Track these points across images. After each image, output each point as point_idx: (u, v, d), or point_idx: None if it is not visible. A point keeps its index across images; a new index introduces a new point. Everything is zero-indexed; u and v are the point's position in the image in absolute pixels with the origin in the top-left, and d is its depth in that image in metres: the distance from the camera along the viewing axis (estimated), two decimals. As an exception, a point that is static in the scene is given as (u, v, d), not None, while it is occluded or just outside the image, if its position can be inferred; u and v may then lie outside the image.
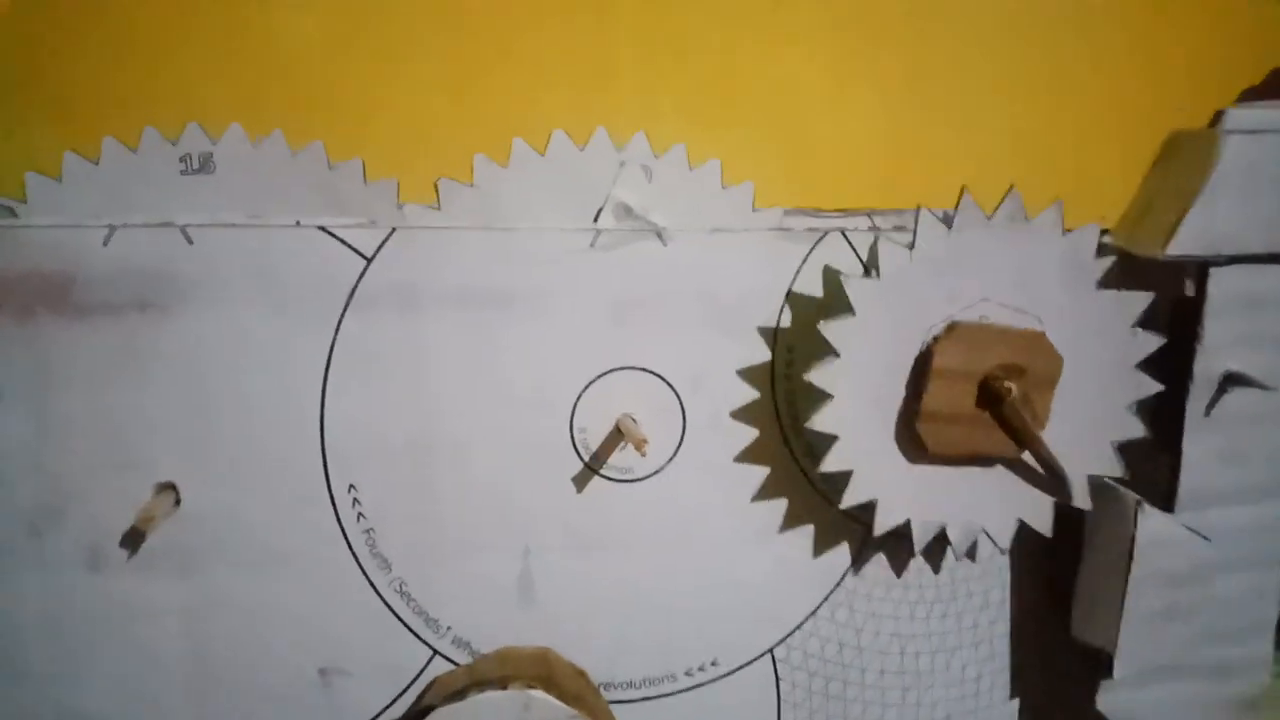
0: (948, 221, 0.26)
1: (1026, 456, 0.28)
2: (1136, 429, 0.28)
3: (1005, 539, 0.28)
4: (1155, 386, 0.28)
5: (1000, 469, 0.28)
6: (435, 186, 0.27)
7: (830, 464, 0.27)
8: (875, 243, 0.26)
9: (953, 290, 0.27)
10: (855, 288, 0.26)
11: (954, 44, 0.29)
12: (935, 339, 0.26)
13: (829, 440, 0.27)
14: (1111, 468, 0.28)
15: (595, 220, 0.27)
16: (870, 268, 0.28)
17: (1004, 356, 0.27)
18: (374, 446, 0.27)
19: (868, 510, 0.27)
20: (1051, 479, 0.27)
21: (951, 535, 0.28)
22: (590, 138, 0.27)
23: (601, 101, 0.29)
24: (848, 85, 0.29)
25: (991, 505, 0.28)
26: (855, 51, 0.29)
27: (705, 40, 0.29)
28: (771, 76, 0.29)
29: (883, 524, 0.27)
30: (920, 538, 0.28)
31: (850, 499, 0.27)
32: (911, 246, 0.26)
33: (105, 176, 0.27)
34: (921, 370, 0.27)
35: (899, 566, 0.31)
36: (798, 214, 0.29)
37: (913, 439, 0.27)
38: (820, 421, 0.26)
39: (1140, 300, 0.27)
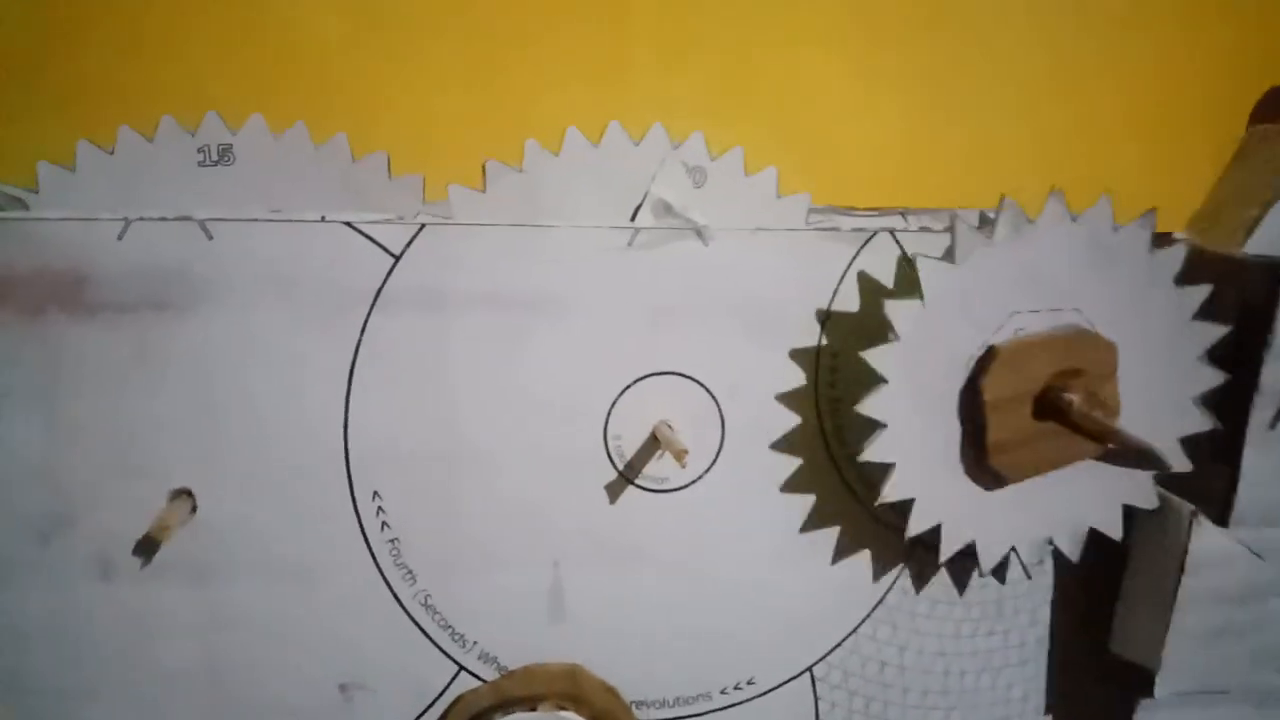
0: (985, 227, 0.25)
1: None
2: (1203, 422, 0.26)
3: (1075, 549, 0.27)
4: (1218, 377, 0.26)
5: (1069, 477, 0.26)
6: (483, 168, 0.26)
7: (891, 493, 0.25)
8: (904, 260, 0.25)
9: (998, 300, 0.25)
10: (898, 313, 0.24)
11: (986, 39, 0.28)
12: (979, 369, 0.25)
13: (885, 469, 0.25)
14: (1179, 462, 0.27)
15: (633, 218, 0.26)
16: (908, 281, 0.27)
17: (1053, 365, 0.25)
18: (399, 453, 0.26)
19: (932, 534, 0.26)
20: (1142, 460, 0.26)
21: (1021, 552, 0.27)
22: (646, 133, 0.26)
23: (634, 96, 0.28)
24: (890, 82, 0.28)
25: (1058, 516, 0.27)
26: (889, 49, 0.28)
27: (736, 36, 0.28)
28: (807, 74, 0.28)
29: (948, 548, 0.26)
30: (988, 560, 0.26)
31: (916, 526, 0.26)
32: (950, 258, 0.25)
33: (120, 167, 0.25)
34: (973, 401, 0.25)
35: (947, 581, 0.29)
36: (844, 214, 0.28)
37: (984, 471, 0.26)
38: (875, 451, 0.25)
39: (1200, 293, 0.26)
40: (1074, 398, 0.25)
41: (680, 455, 0.24)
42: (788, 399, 0.27)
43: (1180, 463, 0.27)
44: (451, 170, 0.28)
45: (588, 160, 0.26)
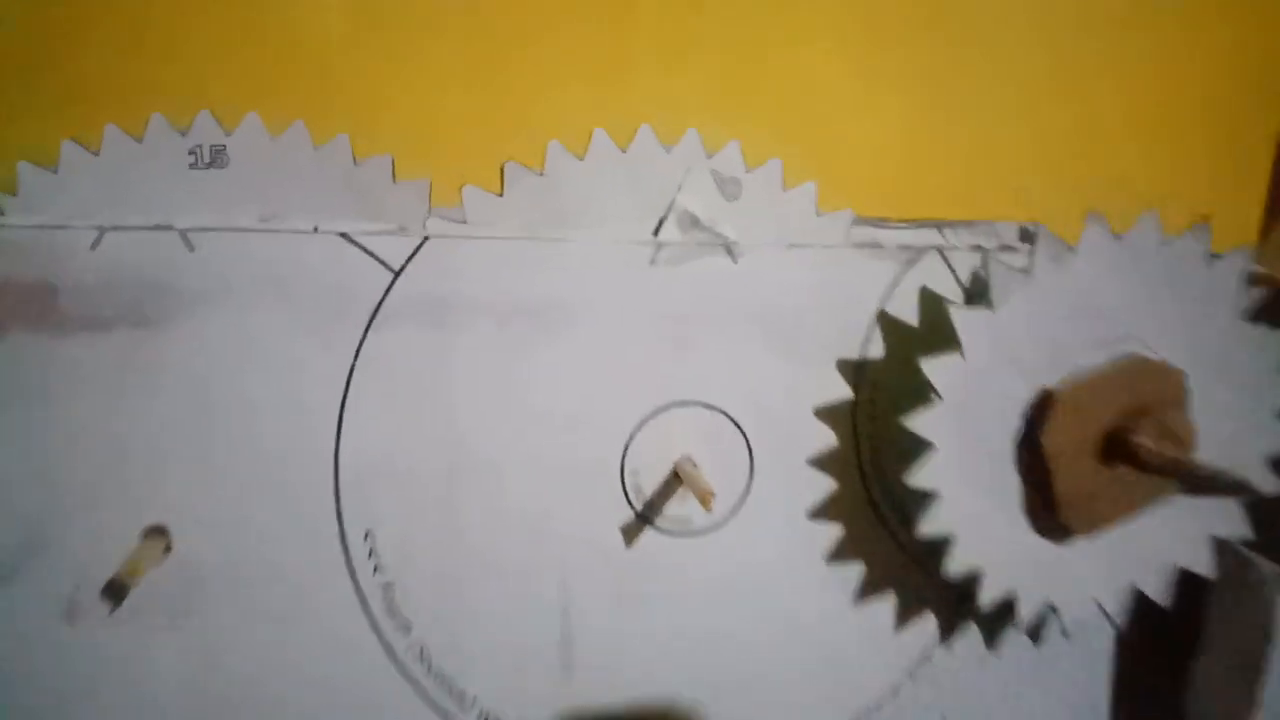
0: (1016, 254, 0.23)
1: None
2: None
3: (1162, 593, 0.24)
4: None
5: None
6: (501, 171, 0.24)
7: (928, 526, 0.23)
8: (983, 265, 0.23)
9: (1076, 324, 0.23)
10: (962, 319, 0.22)
11: (1027, 42, 0.26)
12: (1036, 418, 0.23)
13: (927, 498, 0.23)
14: (1267, 483, 0.24)
15: (656, 232, 0.24)
16: (975, 295, 0.25)
17: (1117, 402, 0.23)
18: (395, 488, 0.23)
19: (971, 580, 0.23)
20: (1226, 488, 0.23)
21: (1103, 603, 0.24)
22: (680, 138, 0.24)
23: (649, 99, 0.26)
24: (931, 89, 0.26)
25: (1137, 557, 0.24)
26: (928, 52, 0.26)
27: (756, 35, 0.26)
28: (849, 82, 0.26)
29: (990, 597, 0.23)
30: (1028, 611, 0.24)
31: (953, 567, 0.23)
32: (1028, 271, 0.22)
33: (105, 169, 0.23)
34: (1032, 452, 0.23)
35: (995, 639, 0.27)
36: (882, 227, 0.26)
37: (1054, 526, 0.23)
38: (918, 475, 0.22)
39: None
40: (1143, 440, 0.22)
41: (706, 498, 0.22)
42: (824, 433, 0.25)
43: (1269, 484, 0.24)
44: (459, 173, 0.25)
45: (614, 166, 0.24)
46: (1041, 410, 0.23)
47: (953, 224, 0.27)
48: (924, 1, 0.26)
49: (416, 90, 0.27)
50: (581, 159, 0.24)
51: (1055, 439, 0.22)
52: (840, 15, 0.26)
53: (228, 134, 0.24)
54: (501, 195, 0.24)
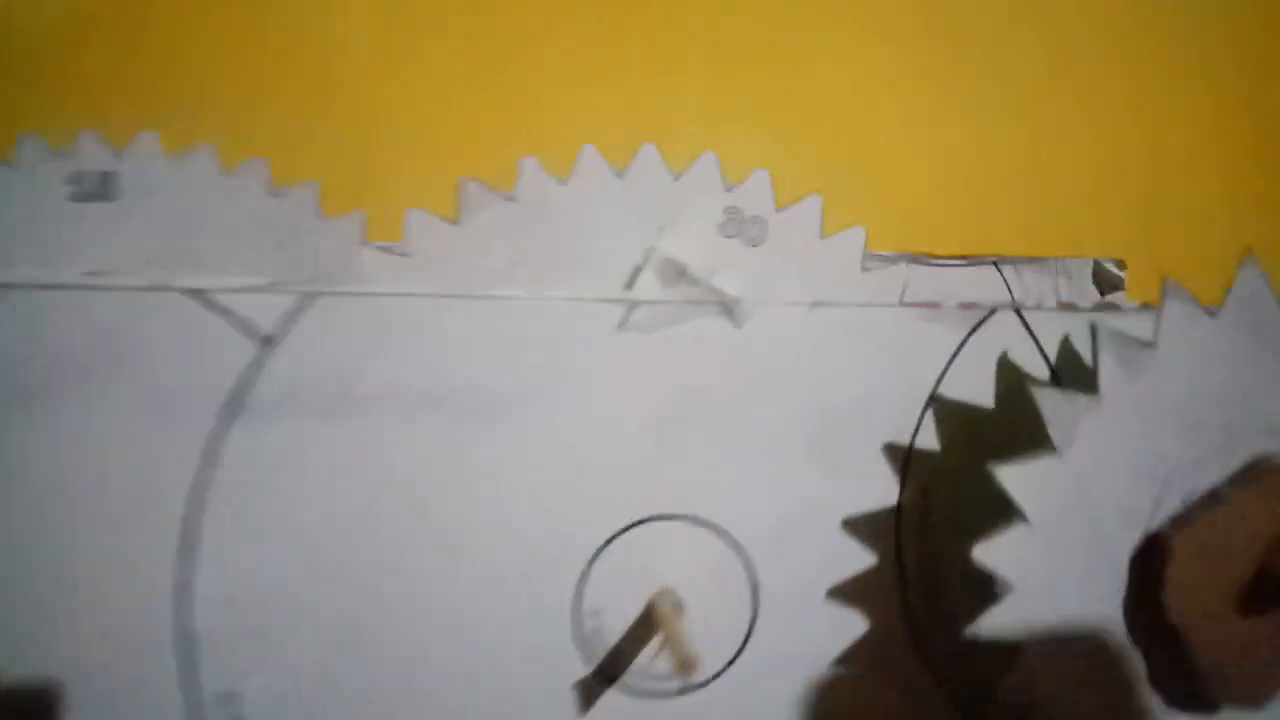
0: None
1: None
2: None
3: None
4: None
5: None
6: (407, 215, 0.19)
7: (1011, 692, 0.16)
8: (1092, 334, 0.16)
9: (1203, 419, 0.16)
10: (1054, 406, 0.16)
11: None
12: (1147, 573, 0.16)
13: (1007, 654, 0.16)
14: None
15: (629, 286, 0.18)
16: (1067, 371, 0.18)
17: (1260, 529, 0.16)
18: (270, 637, 0.17)
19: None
20: None
21: None
22: (691, 164, 0.18)
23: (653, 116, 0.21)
24: (972, 115, 0.22)
25: None
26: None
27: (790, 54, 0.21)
28: (880, 101, 0.21)
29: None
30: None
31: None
32: (1152, 343, 0.16)
33: None
34: (1147, 607, 0.16)
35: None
36: (910, 262, 0.21)
37: (1190, 691, 0.16)
38: (993, 624, 0.16)
39: None
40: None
41: (686, 666, 0.15)
42: (856, 556, 0.18)
43: None
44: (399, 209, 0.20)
45: (596, 195, 0.18)
46: (1154, 563, 0.16)
47: (1012, 260, 0.23)
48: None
49: (350, 110, 0.22)
50: (513, 191, 0.18)
51: (1180, 599, 0.16)
52: (889, 19, 0.22)
53: (117, 156, 0.20)
54: (406, 242, 0.18)
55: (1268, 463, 0.16)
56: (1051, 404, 0.16)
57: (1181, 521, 0.16)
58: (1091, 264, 0.24)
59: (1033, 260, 0.24)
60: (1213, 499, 0.16)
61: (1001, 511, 0.16)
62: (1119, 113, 0.24)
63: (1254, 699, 0.16)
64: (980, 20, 0.23)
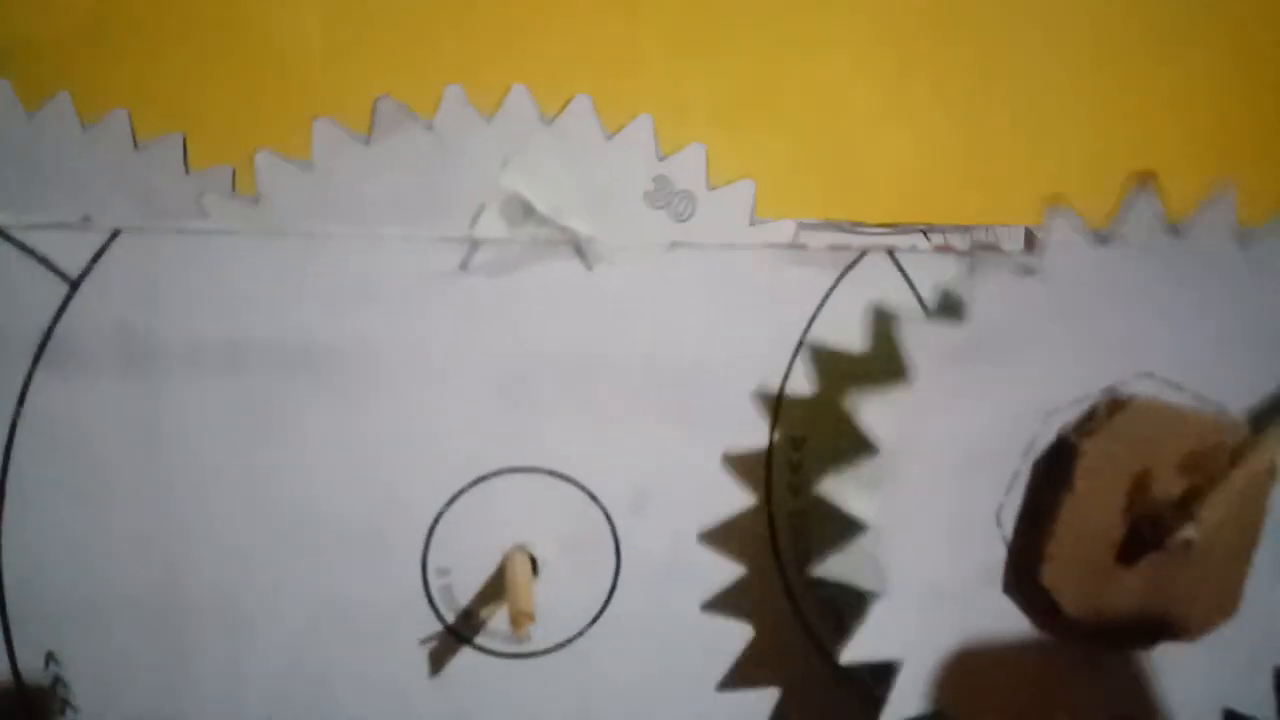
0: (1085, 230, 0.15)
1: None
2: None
3: None
4: None
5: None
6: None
7: (861, 647, 0.16)
8: (967, 269, 0.15)
9: (1099, 346, 0.16)
10: (916, 338, 0.15)
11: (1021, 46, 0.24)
12: (1083, 427, 0.15)
13: (861, 600, 0.15)
14: None
15: (472, 225, 0.17)
16: (944, 308, 0.17)
17: (1175, 458, 0.16)
18: (88, 598, 0.16)
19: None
20: None
21: None
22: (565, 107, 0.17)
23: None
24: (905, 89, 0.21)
25: (1175, 692, 0.17)
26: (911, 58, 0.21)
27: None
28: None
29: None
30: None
31: (898, 708, 0.16)
32: (1031, 271, 0.15)
33: None
34: (1050, 482, 0.16)
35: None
36: (818, 227, 0.20)
37: (1027, 598, 0.16)
38: (846, 567, 0.15)
39: None
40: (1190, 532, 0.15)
41: (520, 620, 0.14)
42: (725, 507, 0.17)
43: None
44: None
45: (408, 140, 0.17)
46: (1100, 417, 0.15)
47: (942, 228, 0.23)
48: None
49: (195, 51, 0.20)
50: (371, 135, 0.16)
51: (1092, 460, 0.15)
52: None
53: None
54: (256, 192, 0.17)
55: (1115, 400, 0.16)
56: (916, 337, 0.15)
57: (1140, 397, 0.15)
58: (1023, 230, 0.24)
59: (961, 228, 0.24)
60: (1064, 450, 0.16)
61: (859, 447, 0.15)
62: (1078, 97, 0.24)
63: (1091, 622, 0.16)
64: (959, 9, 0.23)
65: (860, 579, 0.15)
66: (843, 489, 0.15)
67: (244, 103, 0.23)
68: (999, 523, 0.16)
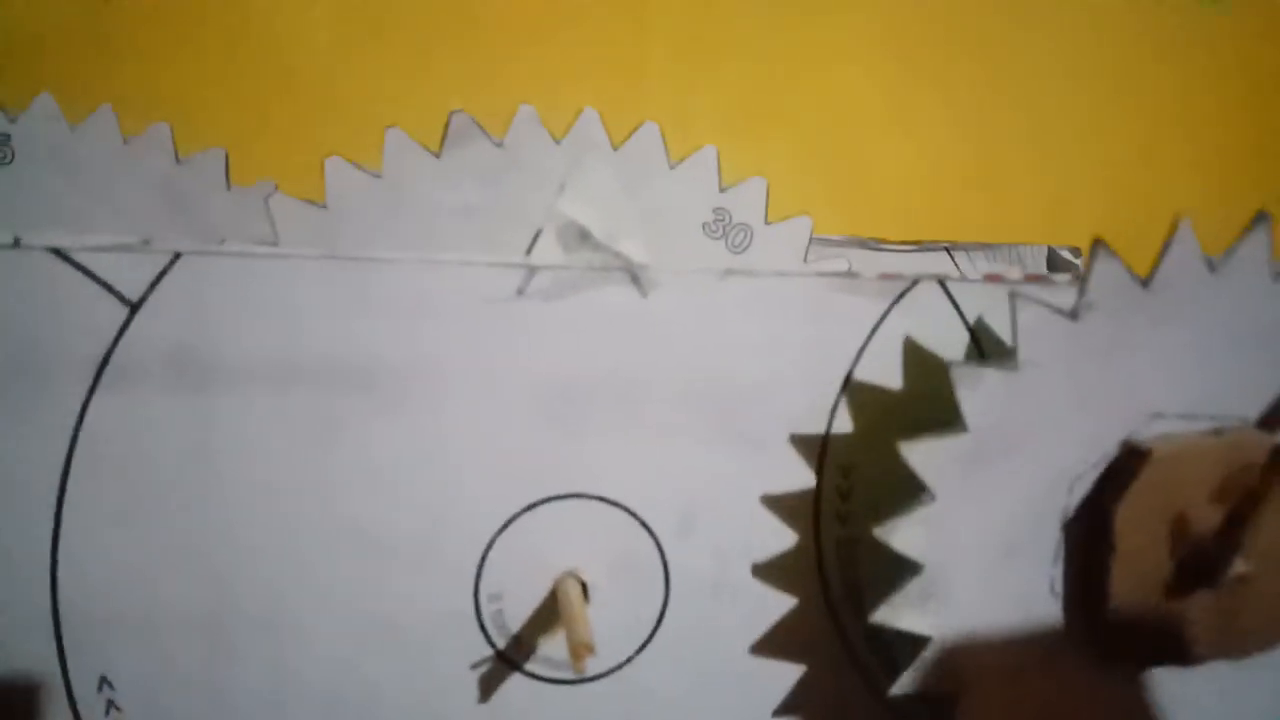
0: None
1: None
2: None
3: None
4: None
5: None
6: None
7: (911, 681, 0.15)
8: (1010, 304, 0.15)
9: (1110, 395, 0.16)
10: (968, 381, 0.15)
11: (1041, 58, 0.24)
12: (1109, 489, 0.15)
13: (915, 644, 0.15)
14: None
15: (528, 252, 0.17)
16: (989, 347, 0.17)
17: (1207, 491, 0.16)
18: (142, 619, 0.16)
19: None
20: None
21: None
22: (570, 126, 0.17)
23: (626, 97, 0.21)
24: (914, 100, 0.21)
25: None
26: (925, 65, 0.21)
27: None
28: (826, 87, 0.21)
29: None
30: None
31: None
32: (1075, 314, 0.15)
33: None
34: (1093, 546, 0.16)
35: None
36: (837, 243, 0.20)
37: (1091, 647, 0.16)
38: (898, 612, 0.15)
39: None
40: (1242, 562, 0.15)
41: (580, 652, 0.14)
42: (773, 538, 0.17)
43: None
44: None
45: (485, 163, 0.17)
46: (1092, 532, 0.15)
47: (966, 246, 0.23)
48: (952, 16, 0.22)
49: (251, 70, 0.21)
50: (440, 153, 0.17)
51: (1122, 570, 0.15)
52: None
53: (11, 120, 0.19)
54: (325, 204, 0.17)
55: (1134, 452, 0.16)
56: (966, 379, 0.15)
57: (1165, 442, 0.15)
58: (1046, 250, 0.24)
59: (986, 246, 0.24)
60: (1097, 515, 0.16)
61: (911, 491, 0.15)
62: (1088, 112, 0.23)
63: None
64: (969, 21, 0.23)
65: (915, 624, 0.15)
66: (895, 528, 0.15)
67: (285, 117, 0.23)
68: (1053, 591, 0.16)
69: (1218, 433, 0.16)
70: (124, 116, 0.21)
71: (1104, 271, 0.15)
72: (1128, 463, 0.16)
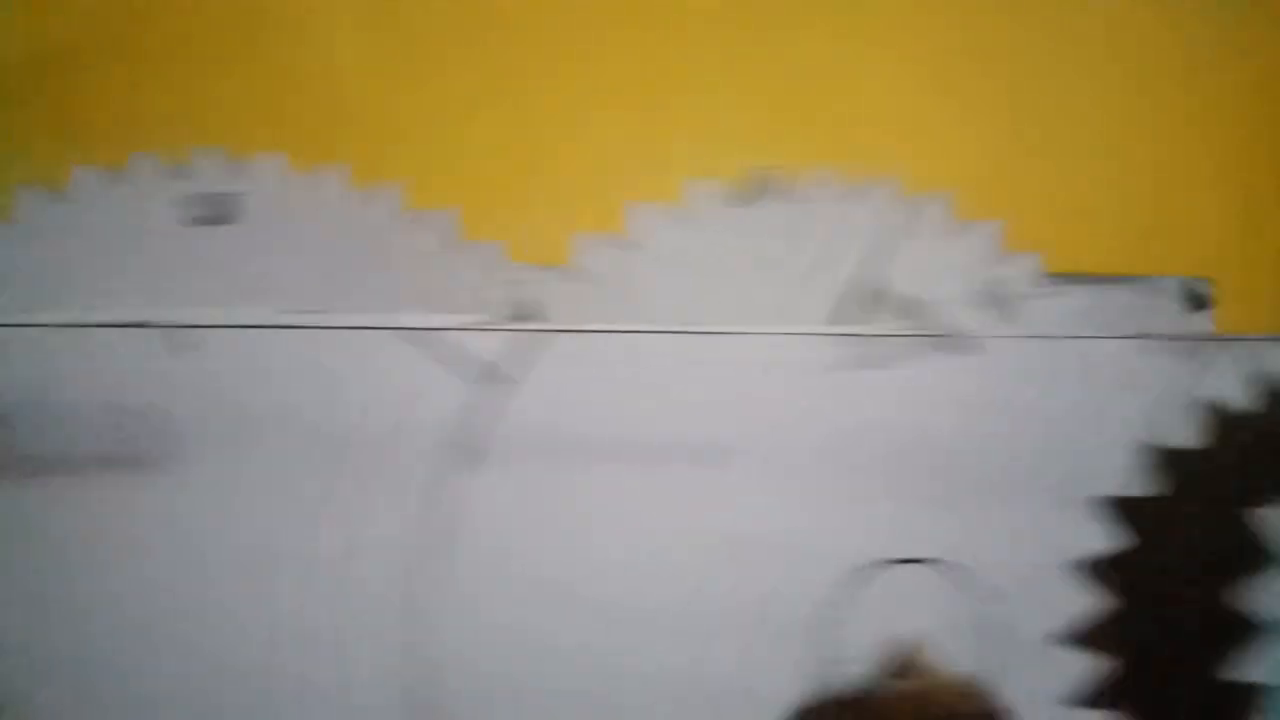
0: None
1: None
2: None
3: None
4: None
5: None
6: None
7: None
8: None
9: None
10: None
11: None
12: None
13: (1254, 695, 0.15)
14: None
15: (832, 319, 0.17)
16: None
17: None
18: (518, 690, 0.16)
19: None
20: None
21: None
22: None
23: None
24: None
25: None
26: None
27: None
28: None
29: None
30: None
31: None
32: None
33: (70, 222, 0.17)
34: None
35: None
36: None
37: None
38: (1246, 665, 0.15)
39: None
40: None
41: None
42: (1085, 601, 0.17)
43: None
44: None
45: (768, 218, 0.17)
46: None
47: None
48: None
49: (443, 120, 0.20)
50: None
51: None
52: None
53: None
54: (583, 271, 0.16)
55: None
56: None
57: None
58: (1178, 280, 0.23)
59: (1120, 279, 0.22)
60: None
61: (1253, 554, 0.15)
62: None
63: None
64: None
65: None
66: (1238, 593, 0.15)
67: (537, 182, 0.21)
68: None
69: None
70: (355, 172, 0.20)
71: None
72: None
